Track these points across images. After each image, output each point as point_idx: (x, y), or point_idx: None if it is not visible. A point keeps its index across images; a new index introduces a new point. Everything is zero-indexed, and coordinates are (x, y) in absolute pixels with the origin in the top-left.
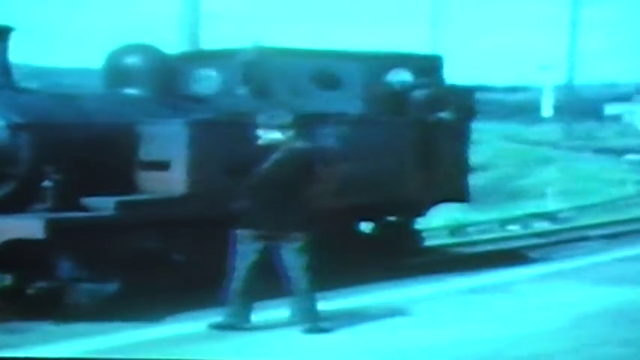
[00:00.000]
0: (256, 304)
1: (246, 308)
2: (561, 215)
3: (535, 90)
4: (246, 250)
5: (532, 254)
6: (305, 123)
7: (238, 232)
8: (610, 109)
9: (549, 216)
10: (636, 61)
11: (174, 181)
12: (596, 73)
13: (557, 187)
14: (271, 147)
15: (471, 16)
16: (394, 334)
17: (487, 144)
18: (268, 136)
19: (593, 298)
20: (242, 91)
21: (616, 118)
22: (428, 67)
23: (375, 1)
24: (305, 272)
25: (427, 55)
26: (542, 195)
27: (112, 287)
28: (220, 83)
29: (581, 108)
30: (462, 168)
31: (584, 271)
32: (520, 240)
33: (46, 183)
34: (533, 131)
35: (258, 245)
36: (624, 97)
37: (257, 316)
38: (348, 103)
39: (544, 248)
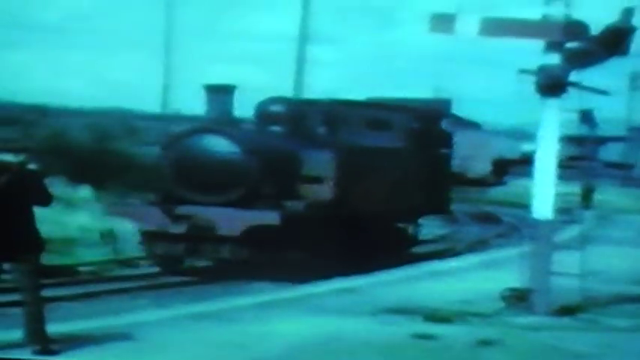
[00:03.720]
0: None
1: None
2: None
3: None
4: None
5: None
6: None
7: None
8: None
9: None
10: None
11: (325, 191)
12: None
13: None
14: (4, 169)
15: (201, 50)
16: (120, 358)
17: None
18: (1, 158)
19: (305, 327)
20: (321, 130)
21: None
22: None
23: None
24: (34, 294)
25: (435, 101)
26: None
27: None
28: (306, 125)
29: None
30: (449, 188)
31: (300, 300)
32: None
33: (265, 189)
34: None
35: None
36: None
37: None
38: (393, 140)
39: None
